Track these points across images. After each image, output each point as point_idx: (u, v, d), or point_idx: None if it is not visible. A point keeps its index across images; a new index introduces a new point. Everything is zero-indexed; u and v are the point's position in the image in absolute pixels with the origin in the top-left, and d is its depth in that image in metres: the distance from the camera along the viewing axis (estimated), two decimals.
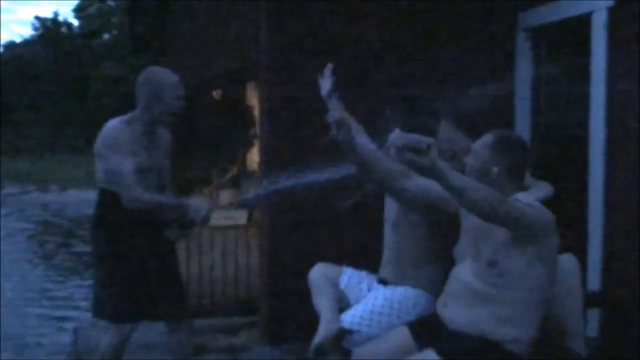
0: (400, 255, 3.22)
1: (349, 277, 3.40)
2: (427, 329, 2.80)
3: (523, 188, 2.71)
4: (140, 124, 3.64)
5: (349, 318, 3.15)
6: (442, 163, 2.27)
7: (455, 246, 2.84)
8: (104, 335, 3.75)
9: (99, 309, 3.74)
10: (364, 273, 3.44)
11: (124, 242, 3.64)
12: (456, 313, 2.67)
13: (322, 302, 3.29)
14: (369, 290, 3.32)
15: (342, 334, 3.09)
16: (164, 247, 3.77)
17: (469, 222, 2.71)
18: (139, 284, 3.64)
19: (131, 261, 3.64)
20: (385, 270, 3.33)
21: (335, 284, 3.37)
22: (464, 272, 2.69)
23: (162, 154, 3.76)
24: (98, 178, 3.66)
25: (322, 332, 3.11)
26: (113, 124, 3.62)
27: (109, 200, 3.62)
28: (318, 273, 3.42)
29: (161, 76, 3.66)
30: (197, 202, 3.71)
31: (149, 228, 3.67)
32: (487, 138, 2.71)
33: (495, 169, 2.64)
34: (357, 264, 3.50)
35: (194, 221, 3.64)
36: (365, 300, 3.22)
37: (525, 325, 2.61)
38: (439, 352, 2.58)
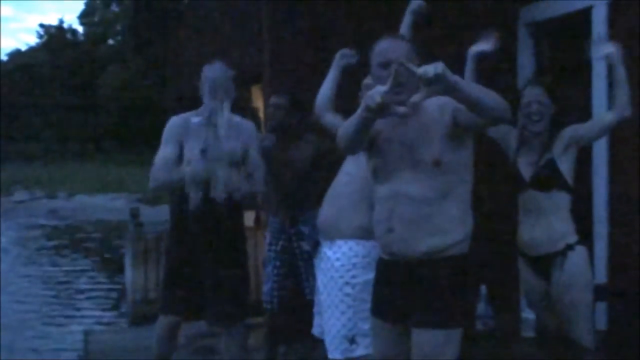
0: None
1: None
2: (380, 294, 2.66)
3: None
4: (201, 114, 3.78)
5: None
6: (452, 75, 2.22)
7: (373, 167, 2.64)
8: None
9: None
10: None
11: (183, 240, 3.76)
12: (406, 232, 2.51)
13: None
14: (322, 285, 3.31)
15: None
16: (225, 249, 3.81)
17: (399, 134, 2.55)
18: (188, 280, 3.75)
19: (186, 257, 3.75)
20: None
21: None
22: (402, 185, 2.53)
23: (233, 142, 3.79)
24: None
25: None
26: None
27: (175, 200, 3.78)
28: None
29: (204, 71, 3.78)
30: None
31: (210, 229, 3.73)
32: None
33: None
34: None
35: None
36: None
37: (468, 223, 2.55)
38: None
